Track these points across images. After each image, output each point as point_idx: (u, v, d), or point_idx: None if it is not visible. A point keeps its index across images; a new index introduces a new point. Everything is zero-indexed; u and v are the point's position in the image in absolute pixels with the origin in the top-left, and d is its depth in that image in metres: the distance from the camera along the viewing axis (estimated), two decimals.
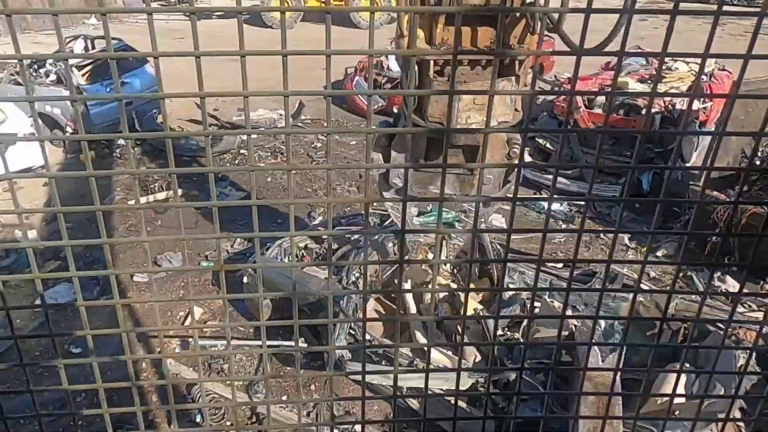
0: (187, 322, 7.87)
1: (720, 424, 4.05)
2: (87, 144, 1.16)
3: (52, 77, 12.09)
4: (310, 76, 9.34)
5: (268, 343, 6.80)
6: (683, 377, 5.16)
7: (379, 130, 1.34)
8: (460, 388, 5.51)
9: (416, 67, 4.29)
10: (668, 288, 1.41)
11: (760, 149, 9.86)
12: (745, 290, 7.23)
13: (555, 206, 10.27)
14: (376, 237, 7.05)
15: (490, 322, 5.93)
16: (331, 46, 1.18)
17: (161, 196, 10.49)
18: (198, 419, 6.18)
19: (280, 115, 13.85)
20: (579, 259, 1.27)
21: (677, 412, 4.66)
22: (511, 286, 7.21)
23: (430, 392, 5.50)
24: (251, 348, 7.06)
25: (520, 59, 4.45)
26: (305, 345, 6.54)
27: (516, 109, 4.79)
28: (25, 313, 7.77)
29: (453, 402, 5.24)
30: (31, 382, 1.35)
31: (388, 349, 5.83)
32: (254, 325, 7.27)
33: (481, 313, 6.40)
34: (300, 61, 9.47)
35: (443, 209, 7.18)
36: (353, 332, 6.27)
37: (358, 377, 5.81)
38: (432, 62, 4.36)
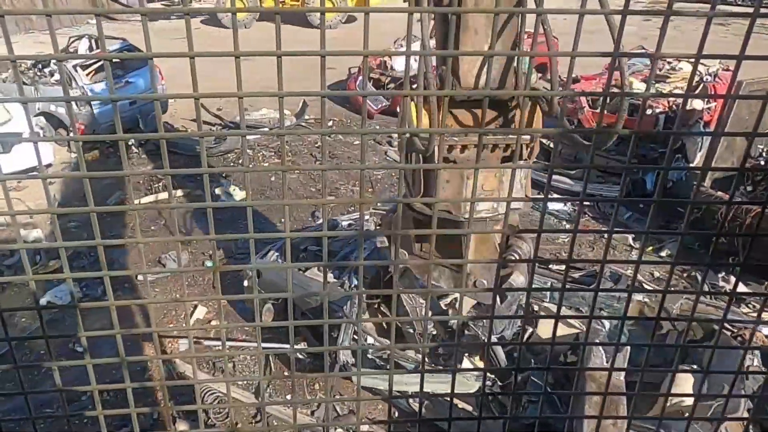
0: (189, 323, 7.90)
1: (726, 425, 4.03)
2: (91, 144, 1.17)
3: (57, 77, 12.12)
4: (314, 76, 9.35)
5: (267, 345, 6.80)
6: (690, 378, 5.13)
7: (377, 131, 1.34)
8: (468, 392, 5.52)
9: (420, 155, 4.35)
10: (669, 288, 1.40)
11: (765, 150, 9.82)
12: (746, 290, 7.21)
13: (559, 206, 10.26)
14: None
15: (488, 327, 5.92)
16: (288, 47, 1.18)
17: (164, 195, 10.51)
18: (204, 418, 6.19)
19: (285, 114, 13.87)
20: (574, 260, 1.27)
21: (685, 414, 4.63)
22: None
23: (429, 394, 5.51)
24: (249, 350, 7.07)
25: (527, 143, 4.51)
26: (302, 347, 6.54)
27: (526, 195, 4.84)
28: (29, 312, 7.80)
29: (461, 406, 5.25)
30: (34, 382, 1.35)
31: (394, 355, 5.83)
32: (251, 326, 7.28)
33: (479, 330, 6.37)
34: (304, 61, 9.47)
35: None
36: (357, 338, 6.26)
37: (364, 381, 5.79)
38: (437, 147, 4.39)
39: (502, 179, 4.66)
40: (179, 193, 10.75)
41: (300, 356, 6.78)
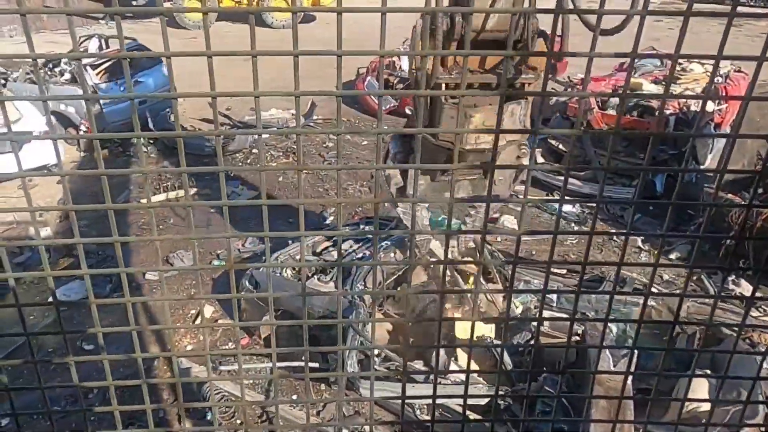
0: (197, 321, 7.92)
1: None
2: (100, 142, 1.17)
3: (67, 76, 12.19)
4: (323, 75, 9.40)
5: (281, 350, 6.82)
6: (705, 383, 5.10)
7: (390, 131, 1.34)
8: (477, 402, 5.50)
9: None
10: (683, 292, 1.39)
11: None
12: (758, 294, 7.15)
13: (567, 208, 10.21)
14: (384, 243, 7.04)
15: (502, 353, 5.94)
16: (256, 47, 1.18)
17: (173, 194, 10.55)
18: (209, 417, 6.22)
19: (292, 114, 13.90)
20: (589, 262, 1.26)
21: (702, 420, 4.60)
22: (517, 299, 7.19)
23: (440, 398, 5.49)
24: (259, 349, 7.08)
25: (530, 82, 4.53)
26: (312, 348, 6.52)
27: (526, 126, 4.91)
28: (37, 309, 7.84)
29: (472, 418, 5.24)
30: (44, 379, 1.36)
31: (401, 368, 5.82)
32: (263, 325, 7.29)
33: (489, 340, 6.35)
34: (311, 62, 9.51)
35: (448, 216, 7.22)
36: (364, 355, 6.25)
37: (368, 390, 5.78)
38: (444, 86, 4.43)
39: (503, 116, 4.78)
40: (190, 191, 10.80)
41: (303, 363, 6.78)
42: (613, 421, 1.48)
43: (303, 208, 1.33)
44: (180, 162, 1.21)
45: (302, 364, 6.59)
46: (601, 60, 1.21)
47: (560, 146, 11.26)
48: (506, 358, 6.06)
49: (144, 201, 10.44)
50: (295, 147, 12.58)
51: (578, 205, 10.34)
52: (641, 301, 5.99)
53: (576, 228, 9.82)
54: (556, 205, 10.42)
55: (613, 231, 9.36)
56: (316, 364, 6.43)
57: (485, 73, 4.51)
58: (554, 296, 7.35)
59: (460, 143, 4.71)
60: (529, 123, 5.03)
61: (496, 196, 5.68)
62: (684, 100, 10.24)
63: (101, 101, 11.17)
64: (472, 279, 6.93)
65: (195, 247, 1.31)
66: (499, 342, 6.36)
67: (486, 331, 6.70)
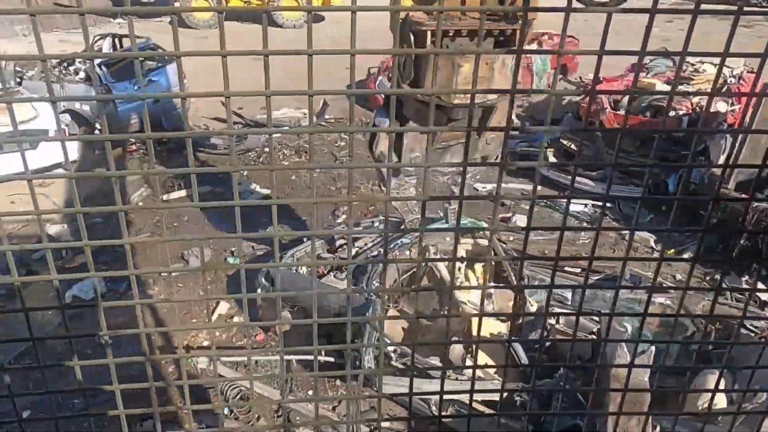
0: (212, 318, 8.01)
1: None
2: (113, 142, 1.19)
3: (82, 75, 12.35)
4: (332, 75, 9.43)
5: (289, 349, 6.90)
6: (722, 380, 5.06)
7: (361, 129, 1.35)
8: (491, 398, 5.48)
9: (413, 38, 4.21)
10: (689, 286, 1.39)
11: None
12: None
13: (579, 207, 10.22)
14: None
15: (516, 346, 5.90)
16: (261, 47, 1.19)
17: (182, 194, 10.61)
18: (225, 411, 6.31)
19: (304, 114, 13.94)
20: (561, 257, 1.26)
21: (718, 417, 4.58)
22: (532, 298, 7.16)
23: (447, 395, 5.48)
24: (271, 347, 7.14)
25: (518, 29, 4.30)
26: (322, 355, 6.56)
27: (518, 81, 4.73)
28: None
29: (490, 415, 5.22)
30: (53, 380, 1.39)
31: (419, 365, 5.81)
32: (272, 324, 7.35)
33: (505, 336, 6.33)
34: (321, 62, 9.53)
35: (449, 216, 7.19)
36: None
37: (388, 389, 5.78)
38: (429, 33, 4.25)
39: (493, 66, 4.59)
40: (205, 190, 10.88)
41: (320, 360, 6.84)
42: (616, 413, 1.48)
43: (275, 208, 1.34)
44: (153, 160, 1.22)
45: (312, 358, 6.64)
46: (611, 60, 1.20)
47: (572, 146, 11.22)
48: (522, 354, 6.04)
49: (153, 201, 10.55)
50: (307, 146, 12.62)
51: (590, 204, 10.30)
52: (656, 300, 5.88)
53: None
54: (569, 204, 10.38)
55: (585, 227, 9.28)
56: (332, 359, 6.49)
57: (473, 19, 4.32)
58: (569, 295, 7.38)
59: (449, 98, 4.50)
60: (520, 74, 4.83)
61: (484, 158, 5.57)
62: (696, 101, 10.18)
63: (115, 101, 11.30)
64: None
65: (167, 248, 1.33)
66: (514, 338, 6.35)
67: (501, 328, 6.71)
